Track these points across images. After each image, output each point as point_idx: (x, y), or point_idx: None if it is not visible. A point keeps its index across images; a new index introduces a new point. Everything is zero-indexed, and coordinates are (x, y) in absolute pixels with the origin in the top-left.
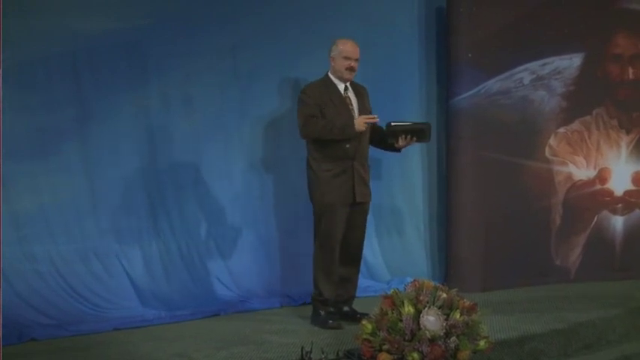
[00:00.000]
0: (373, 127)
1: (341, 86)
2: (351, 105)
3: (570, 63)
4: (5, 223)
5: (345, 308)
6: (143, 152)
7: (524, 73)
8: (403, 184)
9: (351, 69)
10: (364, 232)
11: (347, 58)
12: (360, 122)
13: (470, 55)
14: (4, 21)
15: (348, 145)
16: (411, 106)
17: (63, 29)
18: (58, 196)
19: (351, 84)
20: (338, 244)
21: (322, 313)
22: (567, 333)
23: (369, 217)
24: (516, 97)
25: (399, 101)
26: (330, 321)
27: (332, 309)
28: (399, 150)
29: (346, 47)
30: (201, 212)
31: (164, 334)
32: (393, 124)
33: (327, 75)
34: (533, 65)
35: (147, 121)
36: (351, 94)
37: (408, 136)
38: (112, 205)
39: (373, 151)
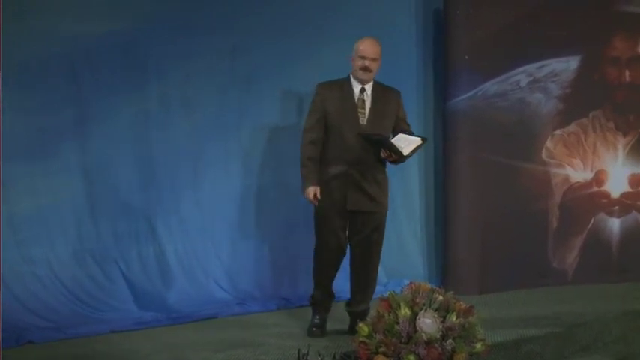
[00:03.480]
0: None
1: (357, 88)
2: (363, 109)
3: (567, 65)
4: (4, 225)
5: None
6: (142, 153)
7: (521, 75)
8: (400, 185)
9: (364, 68)
10: (372, 243)
11: (362, 57)
12: (308, 195)
13: (467, 57)
14: (4, 21)
15: (346, 154)
16: (409, 108)
17: (63, 30)
18: (56, 197)
19: (375, 87)
20: (333, 253)
21: (315, 319)
22: (564, 335)
23: None
24: (513, 100)
25: None
26: (314, 329)
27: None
28: (393, 162)
29: (362, 46)
30: (198, 214)
31: (161, 337)
32: (395, 136)
33: (348, 75)
34: (530, 67)
35: (146, 121)
36: (367, 97)
37: (387, 150)
38: (110, 207)
39: None
